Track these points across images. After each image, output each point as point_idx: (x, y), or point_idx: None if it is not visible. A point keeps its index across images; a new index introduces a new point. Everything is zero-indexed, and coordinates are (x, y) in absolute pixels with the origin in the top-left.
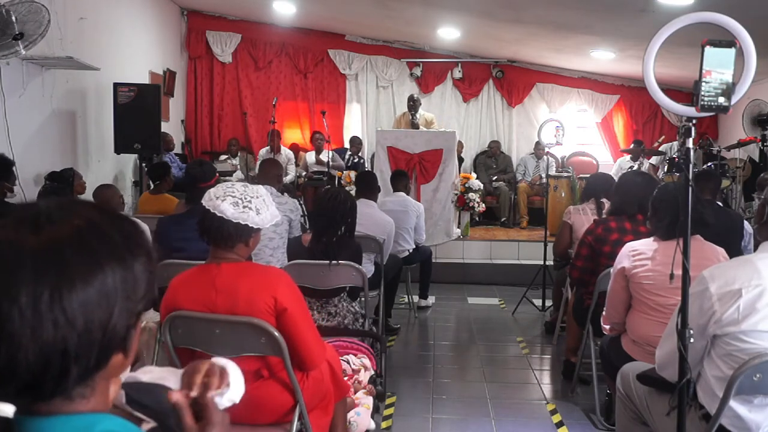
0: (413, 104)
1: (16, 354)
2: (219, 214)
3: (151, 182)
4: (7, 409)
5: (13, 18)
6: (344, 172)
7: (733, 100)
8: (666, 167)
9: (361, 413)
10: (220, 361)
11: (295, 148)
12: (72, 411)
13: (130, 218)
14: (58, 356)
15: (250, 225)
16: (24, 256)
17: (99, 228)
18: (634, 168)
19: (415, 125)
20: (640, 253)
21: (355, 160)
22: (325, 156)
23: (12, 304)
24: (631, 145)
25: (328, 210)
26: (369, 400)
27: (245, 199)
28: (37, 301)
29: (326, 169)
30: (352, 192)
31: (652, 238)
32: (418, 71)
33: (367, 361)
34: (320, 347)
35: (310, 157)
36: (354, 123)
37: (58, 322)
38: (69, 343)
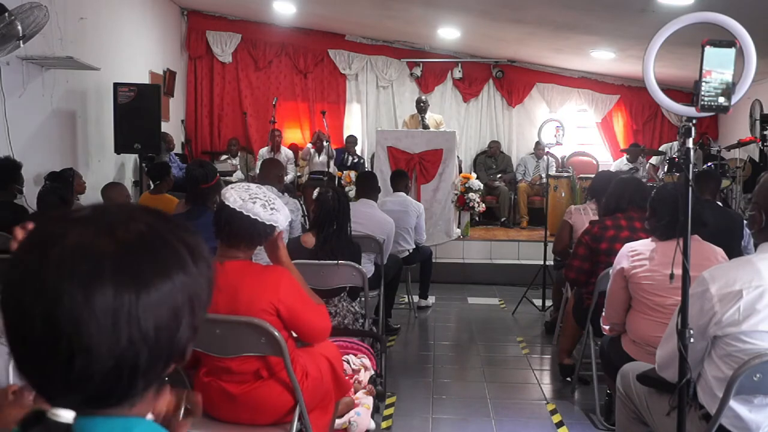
0: (422, 106)
1: (92, 366)
2: (253, 216)
3: (151, 182)
4: (68, 416)
5: (19, 28)
6: (344, 172)
7: (733, 100)
8: (666, 167)
9: (361, 413)
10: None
11: (295, 148)
12: (116, 414)
13: (189, 226)
14: (129, 370)
15: (275, 225)
16: (104, 263)
17: (164, 236)
18: (631, 168)
19: (425, 127)
20: (639, 254)
21: (355, 160)
22: (323, 156)
23: (91, 315)
24: (629, 147)
25: (320, 210)
26: (369, 400)
27: (270, 201)
28: (117, 314)
29: (326, 169)
30: (352, 192)
31: (650, 239)
32: (418, 71)
33: (367, 361)
34: (323, 320)
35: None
36: (354, 123)
37: (133, 336)
38: (141, 357)
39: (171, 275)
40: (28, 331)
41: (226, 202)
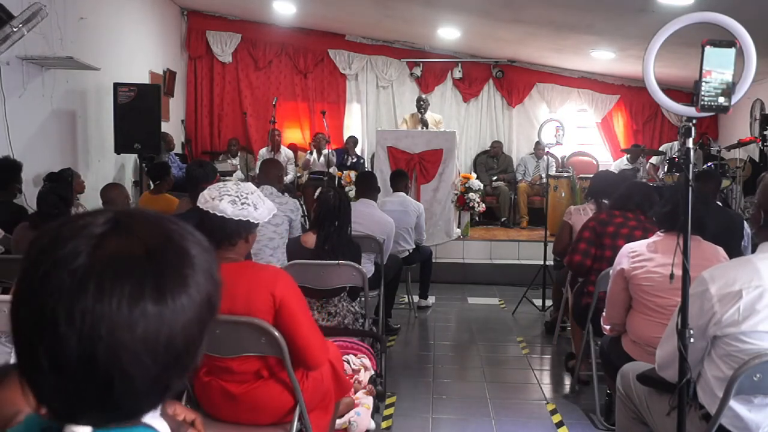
0: (422, 105)
1: (130, 389)
2: (219, 214)
3: (151, 182)
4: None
5: (24, 31)
6: (344, 172)
7: (733, 100)
8: (666, 167)
9: (361, 413)
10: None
11: (294, 148)
12: (130, 425)
13: (201, 238)
14: (162, 388)
15: (251, 220)
16: (144, 274)
17: (186, 247)
18: (631, 168)
19: (425, 122)
20: (638, 254)
21: (355, 160)
22: (324, 157)
23: (134, 340)
24: (630, 147)
25: (321, 209)
26: (369, 400)
27: (242, 196)
28: (158, 337)
29: (326, 169)
30: (352, 192)
31: (649, 240)
32: (418, 71)
33: (367, 361)
34: (323, 347)
35: (310, 156)
36: (354, 123)
37: (169, 355)
38: (173, 374)
39: (197, 287)
40: (60, 358)
41: (197, 204)
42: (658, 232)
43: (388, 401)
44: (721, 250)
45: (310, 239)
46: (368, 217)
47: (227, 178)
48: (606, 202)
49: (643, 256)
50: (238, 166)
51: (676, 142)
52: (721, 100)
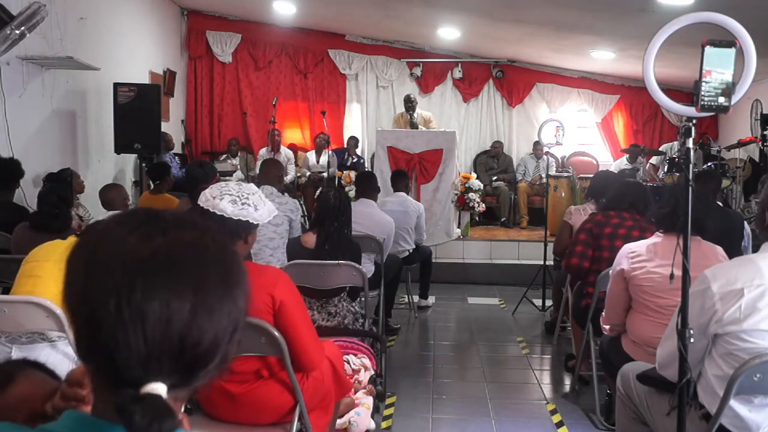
0: (411, 104)
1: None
2: (219, 213)
3: (151, 182)
4: (161, 389)
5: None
6: (344, 172)
7: (733, 100)
8: (666, 167)
9: (361, 413)
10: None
11: (294, 148)
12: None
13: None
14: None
15: (251, 221)
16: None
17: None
18: (631, 168)
19: (413, 125)
20: (638, 255)
21: (354, 160)
22: (324, 157)
23: (221, 317)
24: (629, 147)
25: (321, 208)
26: (369, 400)
27: (242, 196)
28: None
29: (326, 170)
30: (352, 192)
31: (649, 240)
32: (418, 71)
33: (367, 361)
34: (319, 350)
35: (311, 156)
36: (354, 123)
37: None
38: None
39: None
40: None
41: (198, 202)
42: (658, 233)
43: (388, 401)
44: (720, 249)
45: (310, 239)
46: (368, 217)
47: (227, 178)
48: (603, 201)
49: (643, 256)
50: (238, 166)
51: (676, 142)
52: (721, 100)
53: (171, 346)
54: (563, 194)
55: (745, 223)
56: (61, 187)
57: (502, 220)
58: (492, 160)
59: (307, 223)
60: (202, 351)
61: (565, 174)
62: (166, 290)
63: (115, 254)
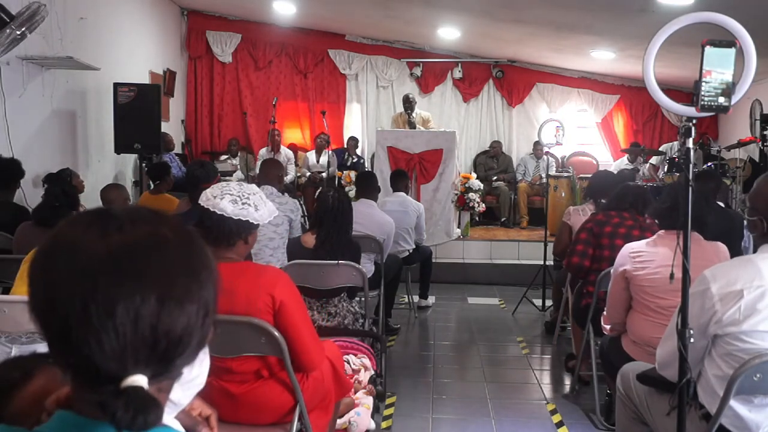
0: (409, 104)
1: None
2: (219, 212)
3: (151, 182)
4: (141, 381)
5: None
6: (344, 172)
7: (733, 100)
8: (666, 167)
9: (361, 413)
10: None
11: (294, 148)
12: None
13: (193, 233)
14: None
15: (251, 221)
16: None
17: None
18: (631, 168)
19: (412, 124)
20: (640, 255)
21: (354, 160)
22: (324, 158)
23: (189, 309)
24: (629, 147)
25: (320, 208)
26: (369, 400)
27: (243, 196)
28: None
29: (326, 170)
30: (352, 192)
31: (650, 240)
32: (418, 71)
33: (367, 361)
34: (319, 349)
35: (311, 156)
36: (354, 123)
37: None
38: (207, 334)
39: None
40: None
41: (199, 201)
42: (659, 232)
43: (388, 401)
44: (722, 246)
45: (310, 239)
46: (368, 217)
47: (227, 178)
48: (604, 202)
49: (645, 256)
50: (238, 166)
51: (676, 142)
52: (721, 100)
53: (144, 338)
54: (563, 194)
55: (745, 224)
56: (66, 182)
57: (502, 220)
58: (491, 160)
59: (307, 223)
60: (176, 338)
61: (565, 174)
62: (130, 286)
63: (73, 257)
